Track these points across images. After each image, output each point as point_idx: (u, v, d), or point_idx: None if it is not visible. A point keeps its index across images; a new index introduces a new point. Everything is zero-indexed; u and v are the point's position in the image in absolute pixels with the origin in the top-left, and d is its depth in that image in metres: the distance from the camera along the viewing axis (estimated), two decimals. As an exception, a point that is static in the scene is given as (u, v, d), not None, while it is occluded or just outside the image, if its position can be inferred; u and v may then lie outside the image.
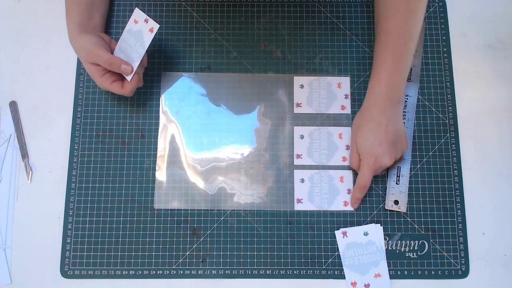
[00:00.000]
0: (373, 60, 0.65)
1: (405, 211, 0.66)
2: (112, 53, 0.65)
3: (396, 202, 0.66)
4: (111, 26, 0.72)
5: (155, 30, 0.63)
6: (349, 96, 0.70)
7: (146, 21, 0.64)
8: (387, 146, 0.63)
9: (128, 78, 0.64)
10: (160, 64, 0.71)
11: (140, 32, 0.64)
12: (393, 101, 0.63)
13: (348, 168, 0.68)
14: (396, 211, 0.66)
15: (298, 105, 0.70)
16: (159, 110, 0.70)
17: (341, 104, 0.70)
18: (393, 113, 0.63)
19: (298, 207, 0.66)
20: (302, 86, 0.70)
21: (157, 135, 0.69)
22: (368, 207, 0.67)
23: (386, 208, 0.66)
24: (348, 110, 0.70)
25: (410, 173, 0.67)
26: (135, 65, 0.64)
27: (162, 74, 0.71)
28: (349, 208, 0.67)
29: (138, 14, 0.65)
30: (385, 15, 0.63)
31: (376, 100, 0.64)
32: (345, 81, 0.71)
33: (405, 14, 0.61)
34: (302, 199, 0.67)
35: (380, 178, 0.67)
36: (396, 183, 0.67)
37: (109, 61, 0.63)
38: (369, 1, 0.73)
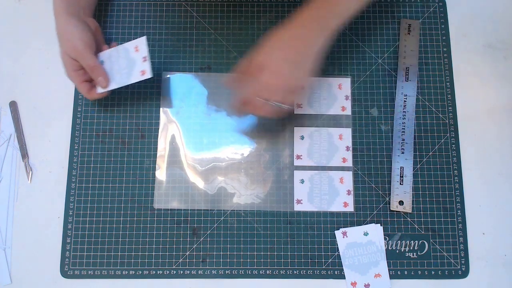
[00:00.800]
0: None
1: (410, 212, 0.66)
2: (97, 46, 0.64)
3: (401, 203, 0.66)
4: (108, 26, 0.72)
5: (145, 76, 0.62)
6: (350, 97, 0.70)
7: (144, 59, 0.63)
8: (282, 63, 0.56)
9: (99, 90, 0.64)
10: (160, 64, 0.71)
11: (134, 62, 0.64)
12: (320, 22, 0.57)
13: (348, 169, 0.68)
14: (397, 212, 0.66)
15: (299, 106, 0.70)
16: (159, 110, 0.70)
17: (341, 105, 0.70)
18: (314, 36, 0.57)
19: (297, 207, 0.66)
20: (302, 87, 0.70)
21: (157, 135, 0.69)
22: (368, 207, 0.67)
23: (391, 209, 0.66)
24: (348, 111, 0.70)
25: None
26: (112, 86, 0.64)
27: (162, 74, 0.71)
28: (349, 209, 0.67)
29: (142, 44, 0.63)
30: None
31: (301, 14, 0.57)
32: (346, 82, 0.70)
33: None
34: (301, 200, 0.67)
35: (381, 178, 0.67)
36: (400, 184, 0.67)
37: (92, 68, 0.62)
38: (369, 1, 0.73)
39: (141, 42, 0.63)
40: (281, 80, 0.57)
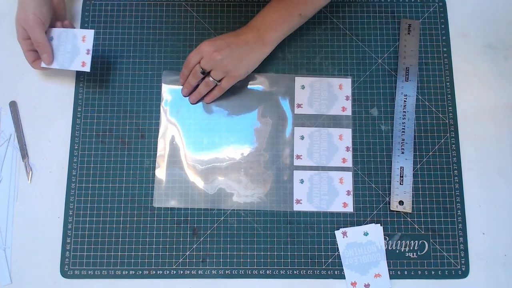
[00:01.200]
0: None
1: (410, 212, 0.66)
2: (54, 21, 0.66)
3: (401, 203, 0.66)
4: (108, 26, 0.72)
5: (85, 68, 0.64)
6: (350, 98, 0.70)
7: (88, 52, 0.65)
8: (223, 46, 0.64)
9: (43, 65, 0.66)
10: (160, 64, 0.71)
11: (78, 51, 0.65)
12: (260, 32, 0.65)
13: (348, 169, 0.68)
14: (397, 212, 0.66)
15: (299, 105, 0.70)
16: (159, 110, 0.70)
17: (342, 105, 0.70)
18: (253, 41, 0.65)
19: (297, 207, 0.66)
20: (303, 87, 0.70)
21: (157, 135, 0.69)
22: (368, 207, 0.67)
23: (391, 209, 0.66)
24: (348, 112, 0.70)
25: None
26: (54, 65, 0.66)
27: (162, 74, 0.71)
28: (349, 209, 0.67)
29: (90, 36, 0.65)
30: None
31: (250, 23, 0.67)
32: (346, 82, 0.70)
33: None
34: (301, 200, 0.67)
35: (381, 178, 0.67)
36: (400, 184, 0.67)
37: (38, 44, 0.64)
38: (369, 1, 0.73)
39: (89, 34, 0.65)
40: (219, 56, 0.64)
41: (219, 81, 0.66)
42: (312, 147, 0.69)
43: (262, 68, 0.70)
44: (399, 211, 0.66)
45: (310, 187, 0.67)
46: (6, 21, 0.73)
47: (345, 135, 0.69)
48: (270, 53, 0.67)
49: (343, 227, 0.66)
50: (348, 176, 0.68)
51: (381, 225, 0.66)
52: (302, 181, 0.67)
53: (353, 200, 0.67)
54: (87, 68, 0.64)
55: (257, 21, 0.66)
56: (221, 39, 0.65)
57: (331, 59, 0.71)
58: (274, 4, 0.66)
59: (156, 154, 0.68)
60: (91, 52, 0.64)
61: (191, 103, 0.69)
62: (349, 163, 0.68)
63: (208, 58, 0.64)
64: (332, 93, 0.70)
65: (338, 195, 0.67)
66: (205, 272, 0.65)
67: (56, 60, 0.65)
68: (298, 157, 0.68)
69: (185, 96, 0.69)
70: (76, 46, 0.65)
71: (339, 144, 0.69)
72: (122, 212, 0.66)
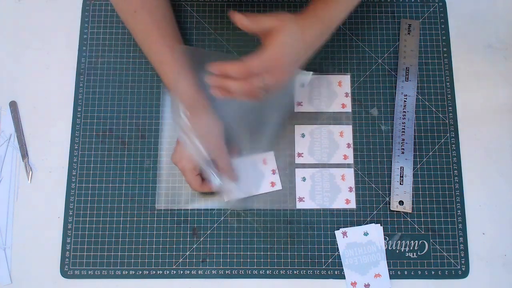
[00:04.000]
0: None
1: (410, 212, 0.66)
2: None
3: (401, 203, 0.66)
4: (108, 26, 0.72)
5: (275, 188, 0.66)
6: (350, 94, 0.70)
7: (273, 171, 0.66)
8: (289, 71, 0.57)
9: (212, 187, 0.64)
10: (160, 64, 0.71)
11: (262, 175, 0.66)
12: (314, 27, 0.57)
13: (349, 166, 0.68)
14: (397, 212, 0.66)
15: (299, 103, 0.70)
16: (159, 110, 0.70)
17: (341, 102, 0.70)
18: (308, 36, 0.57)
19: (300, 205, 0.66)
20: (302, 85, 0.70)
21: (158, 135, 0.69)
22: (368, 207, 0.67)
23: (391, 209, 0.66)
24: (348, 108, 0.70)
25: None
26: (233, 195, 0.65)
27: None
28: (351, 206, 0.67)
29: (271, 158, 0.66)
30: None
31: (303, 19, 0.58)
32: (346, 79, 0.71)
33: None
34: (304, 198, 0.67)
35: (381, 178, 0.67)
36: (400, 184, 0.67)
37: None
38: (369, 1, 0.73)
39: (270, 157, 0.67)
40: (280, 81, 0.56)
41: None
42: (313, 144, 0.69)
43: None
44: (399, 211, 0.66)
45: (312, 184, 0.67)
46: (6, 21, 0.73)
47: (346, 132, 0.69)
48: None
49: (343, 227, 0.66)
50: (349, 173, 0.68)
51: (381, 225, 0.66)
52: (304, 179, 0.67)
53: (355, 196, 0.67)
54: (278, 187, 0.66)
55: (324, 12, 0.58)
56: (288, 59, 0.55)
57: (331, 59, 0.71)
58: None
59: (156, 154, 0.68)
60: (276, 171, 0.66)
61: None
62: (350, 160, 0.68)
63: (269, 84, 0.55)
64: (332, 90, 0.70)
65: (341, 191, 0.67)
66: (205, 272, 0.65)
67: (233, 191, 0.65)
68: (300, 155, 0.68)
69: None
70: (263, 174, 0.66)
71: (340, 141, 0.69)
72: (122, 212, 0.66)
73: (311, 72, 0.66)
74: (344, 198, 0.67)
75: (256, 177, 0.66)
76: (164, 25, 0.63)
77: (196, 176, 0.62)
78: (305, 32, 0.57)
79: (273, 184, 0.67)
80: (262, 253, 0.65)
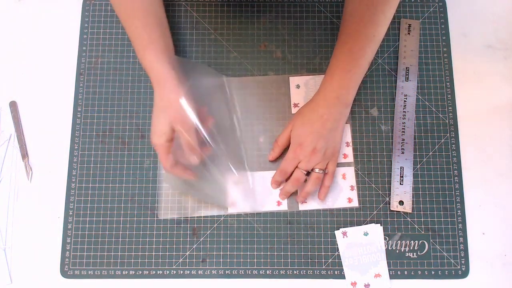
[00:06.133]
0: (331, 58, 0.64)
1: (410, 212, 0.66)
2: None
3: (401, 203, 0.66)
4: (108, 26, 0.72)
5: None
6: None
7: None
8: (316, 139, 0.62)
9: (187, 173, 0.62)
10: (160, 64, 0.71)
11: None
12: (340, 100, 0.62)
13: (349, 165, 0.68)
14: (397, 211, 0.66)
15: (296, 105, 0.70)
16: (159, 110, 0.69)
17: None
18: (338, 112, 0.63)
19: (302, 206, 0.66)
20: (298, 86, 0.70)
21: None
22: (368, 207, 0.67)
23: (391, 209, 0.66)
24: (348, 110, 0.69)
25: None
26: (240, 208, 0.65)
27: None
28: (354, 204, 0.66)
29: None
30: (350, 17, 0.62)
31: (325, 94, 0.63)
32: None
33: (368, 22, 0.60)
34: (306, 199, 0.67)
35: (381, 178, 0.67)
36: (400, 184, 0.67)
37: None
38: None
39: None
40: (316, 156, 0.63)
41: (325, 168, 0.65)
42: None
43: (262, 68, 0.70)
44: (399, 211, 0.66)
45: (312, 186, 0.67)
46: (6, 21, 0.73)
47: (345, 131, 0.69)
48: (270, 54, 0.67)
49: (343, 227, 0.66)
50: (350, 171, 0.68)
51: (381, 225, 0.66)
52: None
53: (357, 194, 0.67)
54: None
55: (332, 87, 0.62)
56: (308, 133, 0.62)
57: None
58: (340, 57, 0.62)
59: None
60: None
61: (298, 201, 0.66)
62: (350, 159, 0.68)
63: (308, 160, 0.63)
64: None
65: (342, 190, 0.67)
66: (205, 272, 0.65)
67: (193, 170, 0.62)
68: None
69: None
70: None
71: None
72: (122, 212, 0.66)
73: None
74: (346, 197, 0.67)
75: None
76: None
77: (167, 155, 0.59)
78: (318, 103, 0.63)
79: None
80: (262, 253, 0.65)
